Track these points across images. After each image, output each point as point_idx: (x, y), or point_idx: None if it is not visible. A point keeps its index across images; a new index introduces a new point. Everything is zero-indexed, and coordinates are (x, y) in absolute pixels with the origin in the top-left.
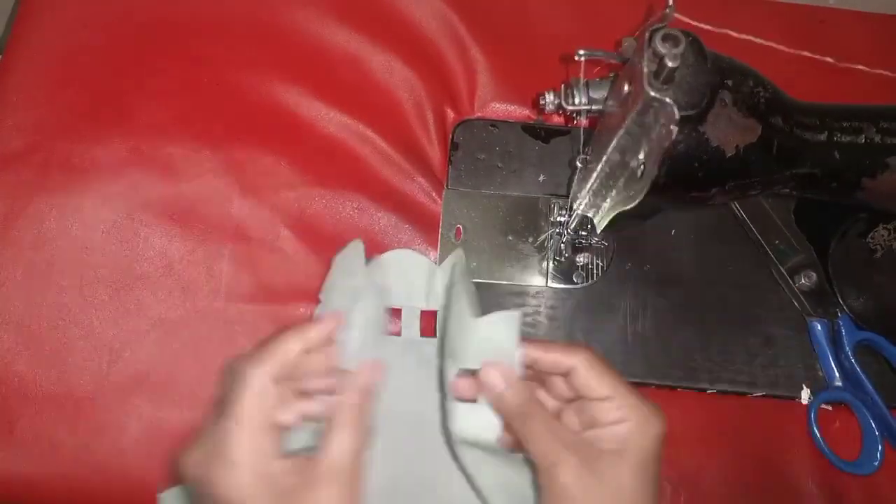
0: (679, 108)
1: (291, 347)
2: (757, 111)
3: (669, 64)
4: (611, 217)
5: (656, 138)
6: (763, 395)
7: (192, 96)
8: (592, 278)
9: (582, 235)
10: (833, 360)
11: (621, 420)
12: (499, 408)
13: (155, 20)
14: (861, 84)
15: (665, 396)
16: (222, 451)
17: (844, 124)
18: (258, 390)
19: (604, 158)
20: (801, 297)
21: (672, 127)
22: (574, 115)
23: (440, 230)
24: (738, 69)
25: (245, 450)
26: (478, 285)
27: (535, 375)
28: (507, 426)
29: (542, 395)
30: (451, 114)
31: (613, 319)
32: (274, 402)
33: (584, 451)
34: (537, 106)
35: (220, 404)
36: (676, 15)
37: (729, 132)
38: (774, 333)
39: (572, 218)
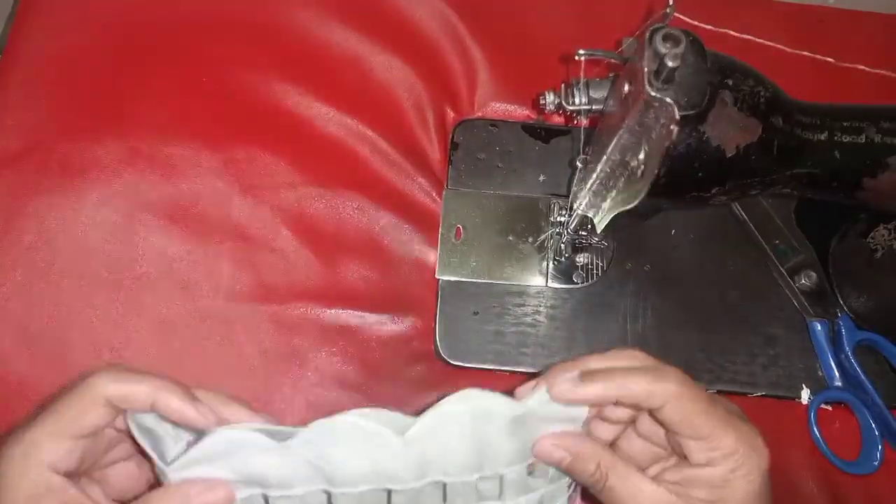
0: (679, 108)
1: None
2: (757, 111)
3: (670, 63)
4: (611, 217)
5: (657, 138)
6: (763, 395)
7: (191, 96)
8: (592, 278)
9: (582, 235)
10: (833, 360)
11: (711, 464)
12: (570, 471)
13: (154, 20)
14: (861, 84)
15: None
16: None
17: (845, 124)
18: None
19: (604, 158)
20: (802, 297)
21: (672, 127)
22: (574, 114)
23: (440, 230)
24: (739, 69)
25: None
26: (478, 285)
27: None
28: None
29: (598, 424)
30: (451, 113)
31: (613, 319)
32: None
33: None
34: (537, 106)
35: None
36: (677, 14)
37: (729, 132)
38: (774, 333)
39: (572, 218)
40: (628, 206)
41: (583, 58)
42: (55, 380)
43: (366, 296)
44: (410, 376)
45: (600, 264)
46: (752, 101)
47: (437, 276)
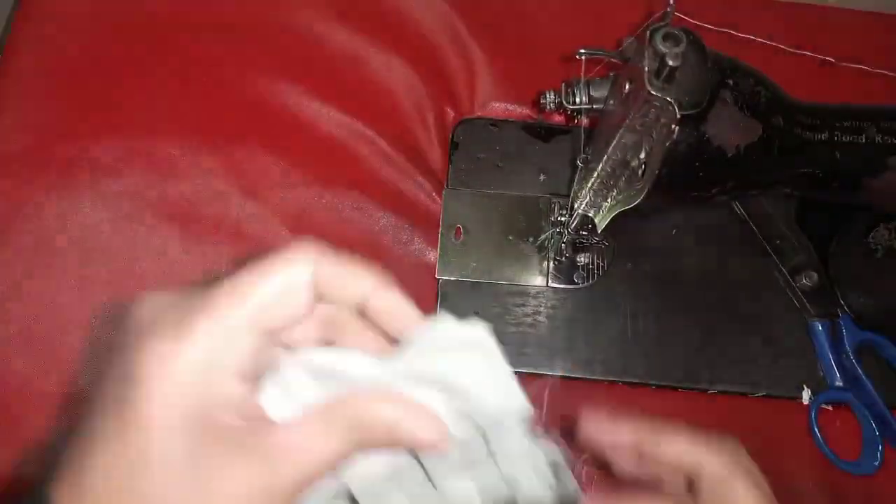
0: (680, 108)
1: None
2: (758, 111)
3: (670, 63)
4: (612, 217)
5: (657, 138)
6: (764, 396)
7: (192, 96)
8: (593, 278)
9: (583, 235)
10: (834, 360)
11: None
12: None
13: (155, 20)
14: (861, 84)
15: (665, 396)
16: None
17: (845, 124)
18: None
19: (605, 158)
20: (802, 297)
21: (673, 126)
22: (575, 114)
23: (440, 230)
24: (739, 68)
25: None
26: (478, 285)
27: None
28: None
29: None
30: (451, 113)
31: (614, 319)
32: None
33: None
34: (538, 105)
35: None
36: (677, 14)
37: (730, 132)
38: (775, 333)
39: (573, 217)
40: (629, 206)
41: (583, 57)
42: (55, 380)
43: None
44: None
45: (601, 264)
46: (752, 100)
47: (437, 276)
